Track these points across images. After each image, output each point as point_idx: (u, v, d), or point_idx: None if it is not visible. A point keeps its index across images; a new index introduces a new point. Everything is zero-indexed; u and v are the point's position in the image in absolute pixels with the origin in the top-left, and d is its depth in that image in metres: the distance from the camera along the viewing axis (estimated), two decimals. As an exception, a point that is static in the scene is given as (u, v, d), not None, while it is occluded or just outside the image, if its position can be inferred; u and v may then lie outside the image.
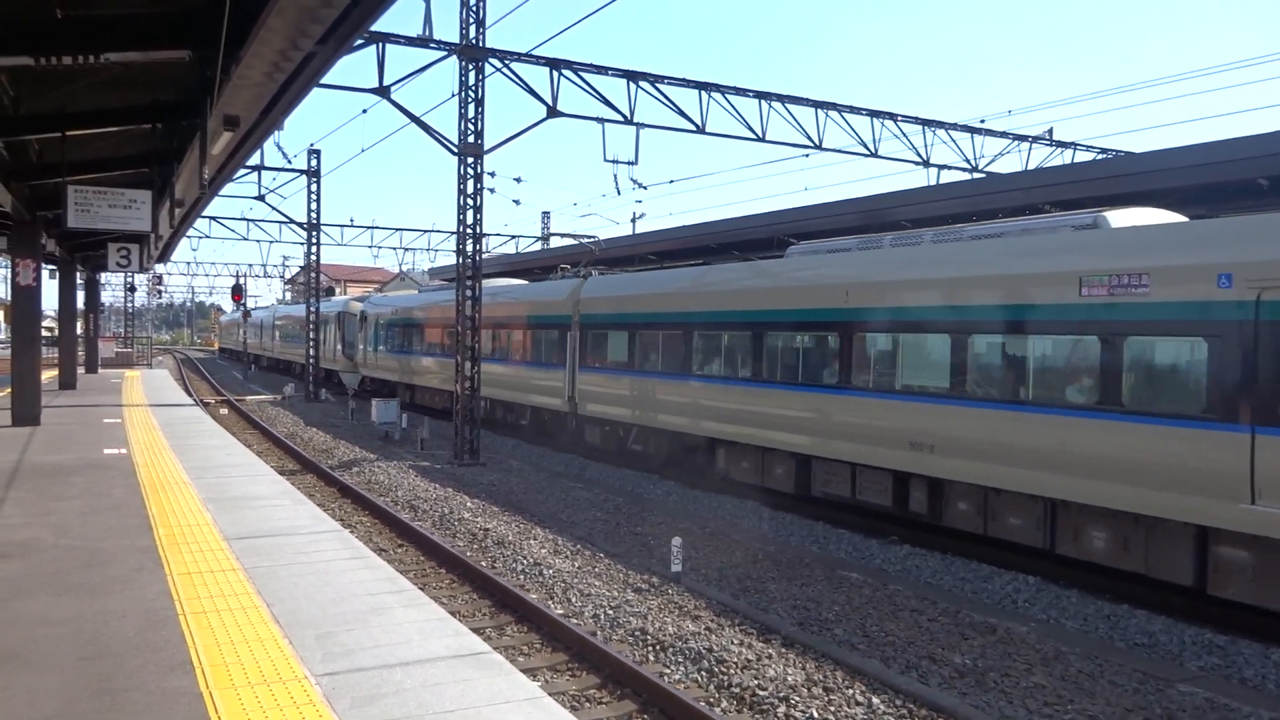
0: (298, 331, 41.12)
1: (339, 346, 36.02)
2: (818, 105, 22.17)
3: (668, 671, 7.45)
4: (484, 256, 21.73)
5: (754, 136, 21.32)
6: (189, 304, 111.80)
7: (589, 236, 25.60)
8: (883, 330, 12.24)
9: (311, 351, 34.63)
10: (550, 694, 5.37)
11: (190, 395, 28.37)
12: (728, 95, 20.94)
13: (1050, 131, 26.25)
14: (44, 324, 22.94)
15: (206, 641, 5.29)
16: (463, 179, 18.91)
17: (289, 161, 35.60)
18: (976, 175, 24.75)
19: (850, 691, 6.97)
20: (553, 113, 19.20)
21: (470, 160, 18.85)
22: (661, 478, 16.96)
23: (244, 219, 41.82)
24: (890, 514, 12.46)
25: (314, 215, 34.01)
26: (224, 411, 28.10)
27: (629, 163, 21.81)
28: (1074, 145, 26.65)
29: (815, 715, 6.55)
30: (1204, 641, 8.45)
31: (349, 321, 35.49)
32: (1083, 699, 7.04)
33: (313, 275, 35.30)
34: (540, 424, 21.90)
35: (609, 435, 18.84)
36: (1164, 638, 8.58)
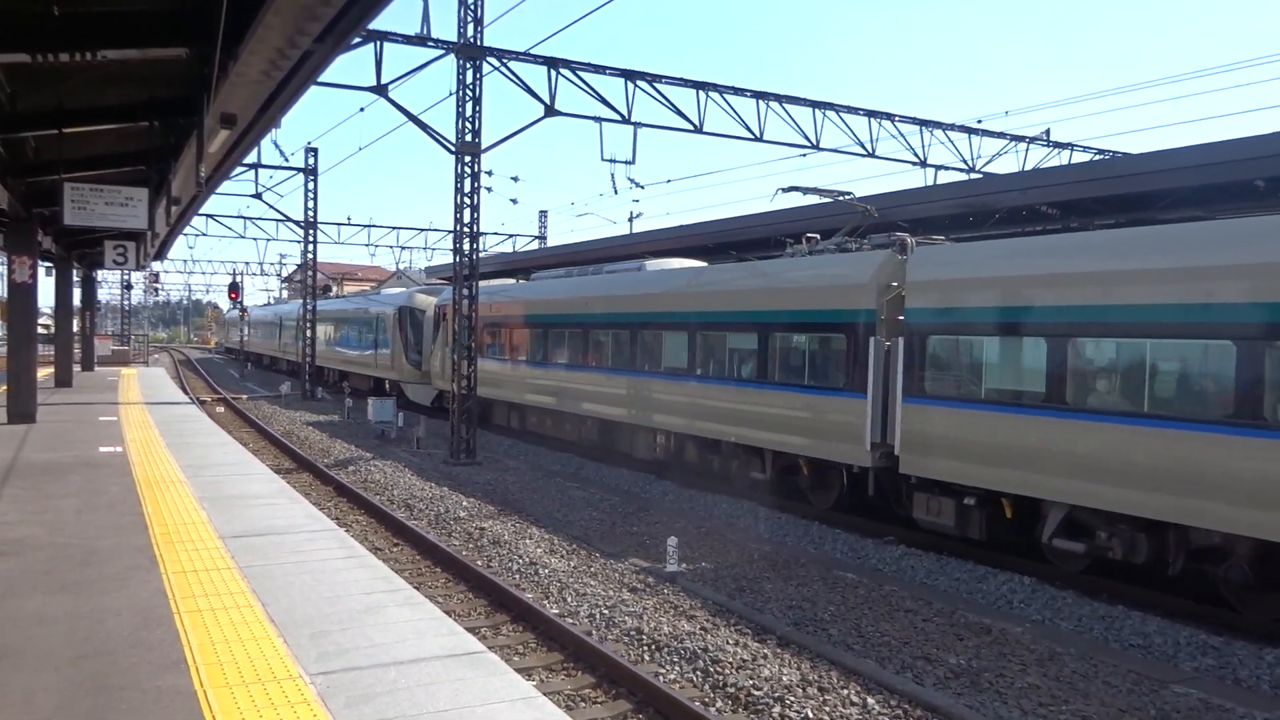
0: (342, 334, 35.41)
1: (400, 352, 29.37)
2: (815, 105, 22.18)
3: (663, 671, 7.46)
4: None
5: (752, 136, 21.32)
6: (185, 302, 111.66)
7: (843, 193, 16.10)
8: None
9: (308, 349, 34.53)
10: (545, 693, 5.36)
11: (187, 393, 28.34)
12: (725, 95, 20.94)
13: (1047, 132, 26.30)
14: (40, 321, 22.88)
15: (201, 640, 5.28)
16: (460, 178, 18.90)
17: (286, 159, 35.50)
18: (974, 176, 24.77)
19: (845, 692, 6.98)
20: (550, 111, 19.20)
21: (467, 159, 18.84)
22: (658, 477, 16.94)
23: (241, 217, 41.95)
24: None
25: (311, 213, 34.02)
26: (220, 410, 28.08)
27: (626, 162, 21.84)
28: (1071, 146, 26.70)
29: (810, 715, 6.56)
30: (1198, 642, 8.47)
31: (416, 320, 29.00)
32: (1077, 700, 7.06)
33: (309, 274, 35.26)
34: (785, 479, 14.33)
35: (993, 518, 11.06)
36: (1158, 639, 8.60)
